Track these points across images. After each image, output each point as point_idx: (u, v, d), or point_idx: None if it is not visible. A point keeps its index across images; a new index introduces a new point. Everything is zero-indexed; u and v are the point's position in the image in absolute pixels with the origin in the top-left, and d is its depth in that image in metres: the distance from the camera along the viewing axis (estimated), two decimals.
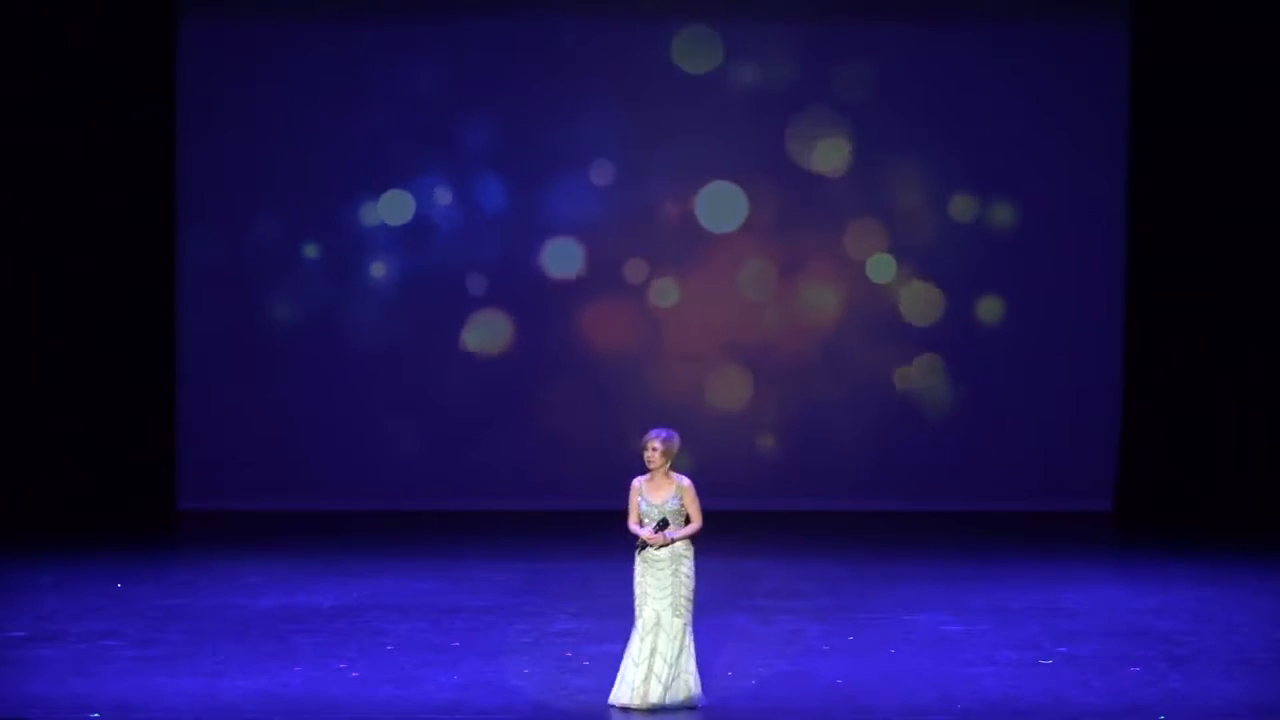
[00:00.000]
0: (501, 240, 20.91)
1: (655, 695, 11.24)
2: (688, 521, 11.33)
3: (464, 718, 11.24)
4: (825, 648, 13.33)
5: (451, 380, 20.91)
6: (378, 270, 20.87)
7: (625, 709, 11.28)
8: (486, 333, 20.84)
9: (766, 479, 20.85)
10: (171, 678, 12.15)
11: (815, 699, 11.74)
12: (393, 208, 20.81)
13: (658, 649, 11.25)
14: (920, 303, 20.97)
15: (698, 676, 11.39)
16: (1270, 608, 15.08)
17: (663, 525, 11.26)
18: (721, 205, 20.90)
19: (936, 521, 20.20)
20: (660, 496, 11.30)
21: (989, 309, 21.00)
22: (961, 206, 20.94)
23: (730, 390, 20.98)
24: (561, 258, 20.91)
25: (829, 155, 20.85)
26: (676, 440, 11.37)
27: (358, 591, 15.51)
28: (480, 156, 20.86)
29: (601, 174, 20.87)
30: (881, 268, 20.96)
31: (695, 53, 20.79)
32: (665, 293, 20.97)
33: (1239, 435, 20.52)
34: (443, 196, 20.77)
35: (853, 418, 20.97)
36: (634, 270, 20.93)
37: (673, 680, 11.25)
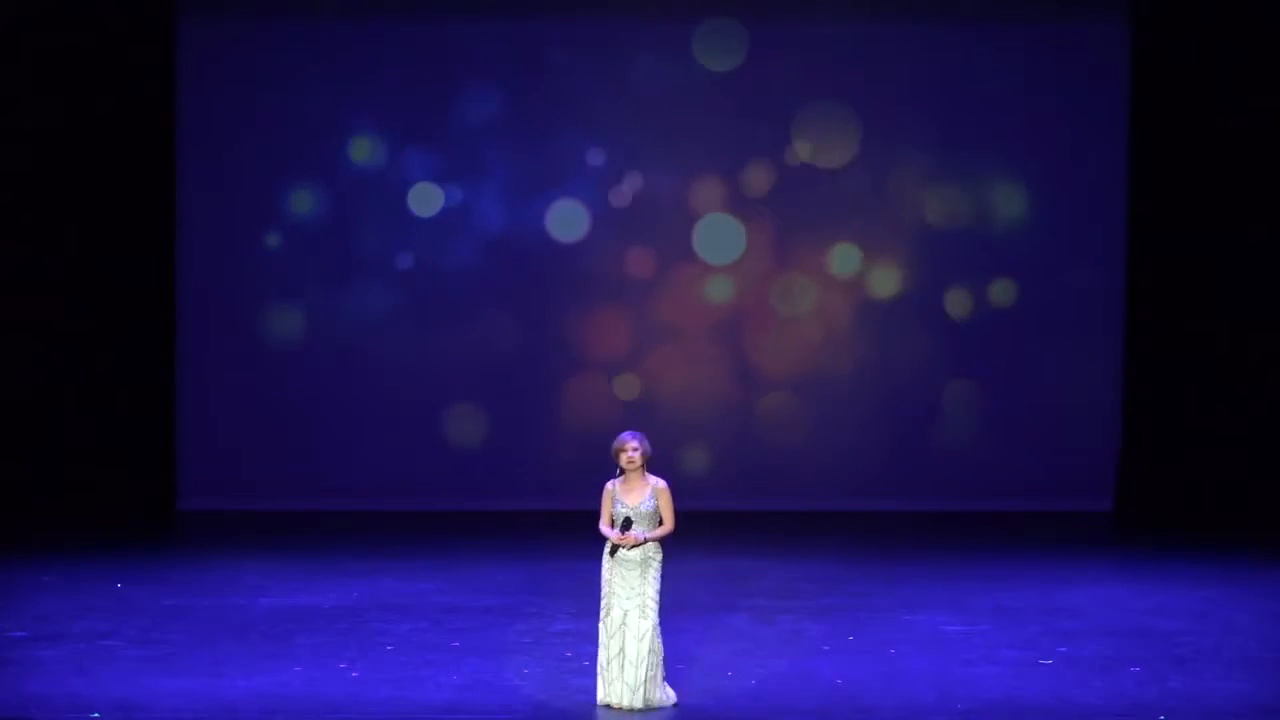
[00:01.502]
0: (502, 240, 20.90)
1: (623, 699, 11.19)
2: (661, 523, 11.31)
3: (464, 718, 11.23)
4: (825, 648, 13.32)
5: (451, 380, 20.90)
6: (377, 270, 20.87)
7: (613, 708, 11.26)
8: (466, 426, 20.88)
9: (768, 479, 20.83)
10: (171, 678, 12.14)
11: (815, 699, 11.73)
12: (400, 207, 20.84)
13: (624, 650, 11.19)
14: (921, 303, 20.96)
15: (666, 683, 11.32)
16: (1270, 608, 15.08)
17: (626, 525, 11.20)
18: (719, 238, 20.91)
19: (936, 521, 20.19)
20: (635, 498, 11.23)
21: (990, 309, 20.99)
22: (962, 207, 20.94)
23: (730, 390, 20.97)
24: (566, 220, 20.88)
25: (831, 150, 20.85)
26: (648, 443, 11.34)
27: (358, 591, 15.51)
28: (482, 156, 20.86)
29: (612, 180, 20.92)
30: (880, 267, 20.96)
31: (713, 51, 20.79)
32: (666, 293, 20.97)
33: (1239, 435, 20.50)
34: (433, 198, 20.83)
35: (853, 418, 20.96)
36: (636, 271, 20.93)
37: (640, 684, 11.16)
